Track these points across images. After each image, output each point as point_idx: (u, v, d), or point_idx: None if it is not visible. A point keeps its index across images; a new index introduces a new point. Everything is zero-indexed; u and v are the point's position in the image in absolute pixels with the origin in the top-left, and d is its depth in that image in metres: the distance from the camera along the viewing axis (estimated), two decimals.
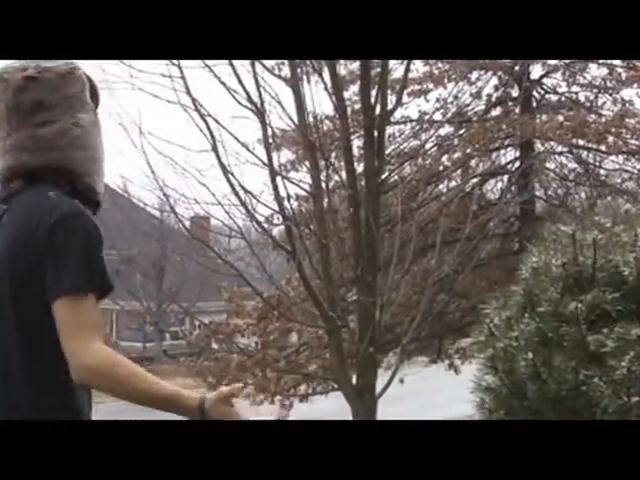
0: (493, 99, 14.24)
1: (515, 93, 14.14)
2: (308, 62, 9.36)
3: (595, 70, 13.82)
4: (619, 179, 14.18)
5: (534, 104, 14.42)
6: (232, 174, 8.89)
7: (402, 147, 13.17)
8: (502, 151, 14.18)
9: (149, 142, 8.97)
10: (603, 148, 13.21)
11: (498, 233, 13.85)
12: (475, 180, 13.38)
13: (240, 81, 8.85)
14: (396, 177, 11.85)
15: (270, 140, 9.39)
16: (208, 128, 8.84)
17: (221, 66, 8.85)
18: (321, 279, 9.63)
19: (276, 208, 9.45)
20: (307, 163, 10.21)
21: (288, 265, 11.67)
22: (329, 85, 9.59)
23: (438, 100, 13.51)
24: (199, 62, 8.64)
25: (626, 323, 2.21)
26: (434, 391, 17.03)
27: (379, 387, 9.68)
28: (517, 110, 13.82)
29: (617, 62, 13.18)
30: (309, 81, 9.50)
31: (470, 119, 13.55)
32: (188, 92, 8.74)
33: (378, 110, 9.76)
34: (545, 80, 14.52)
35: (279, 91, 9.23)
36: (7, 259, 2.01)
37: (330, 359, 10.43)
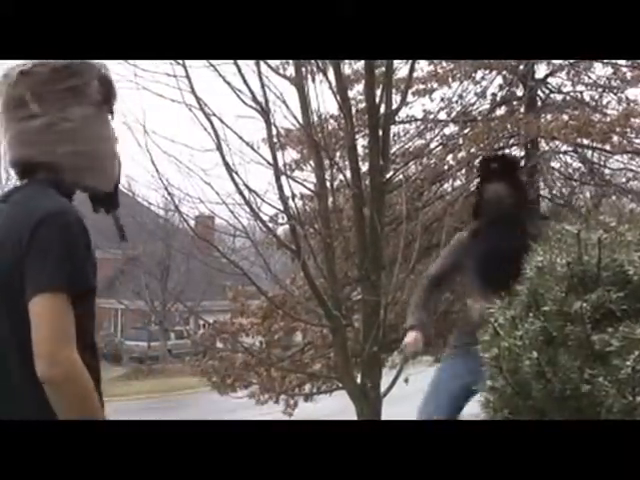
0: (498, 98, 14.22)
1: (520, 92, 14.13)
2: (313, 62, 9.35)
3: (600, 69, 13.83)
4: (624, 178, 14.17)
5: (539, 103, 14.40)
6: (237, 173, 8.89)
7: (407, 146, 13.16)
8: (507, 150, 14.15)
9: (154, 141, 9.02)
10: (608, 147, 13.18)
11: None
12: None
13: (245, 80, 8.85)
14: (401, 176, 11.82)
15: (275, 139, 9.40)
16: (213, 127, 8.84)
17: (226, 65, 8.86)
18: (325, 278, 9.62)
19: (281, 207, 9.46)
20: (312, 162, 10.20)
21: (292, 264, 11.67)
22: (334, 84, 9.57)
23: (443, 99, 13.52)
24: (204, 61, 8.64)
25: (631, 322, 2.21)
26: None
27: (384, 386, 9.68)
28: (522, 109, 13.78)
29: (622, 61, 13.16)
30: (314, 80, 9.48)
31: (475, 118, 13.52)
32: (193, 91, 8.73)
33: (383, 109, 9.73)
34: (550, 79, 14.50)
35: (284, 90, 9.24)
36: None
37: (334, 358, 10.44)
